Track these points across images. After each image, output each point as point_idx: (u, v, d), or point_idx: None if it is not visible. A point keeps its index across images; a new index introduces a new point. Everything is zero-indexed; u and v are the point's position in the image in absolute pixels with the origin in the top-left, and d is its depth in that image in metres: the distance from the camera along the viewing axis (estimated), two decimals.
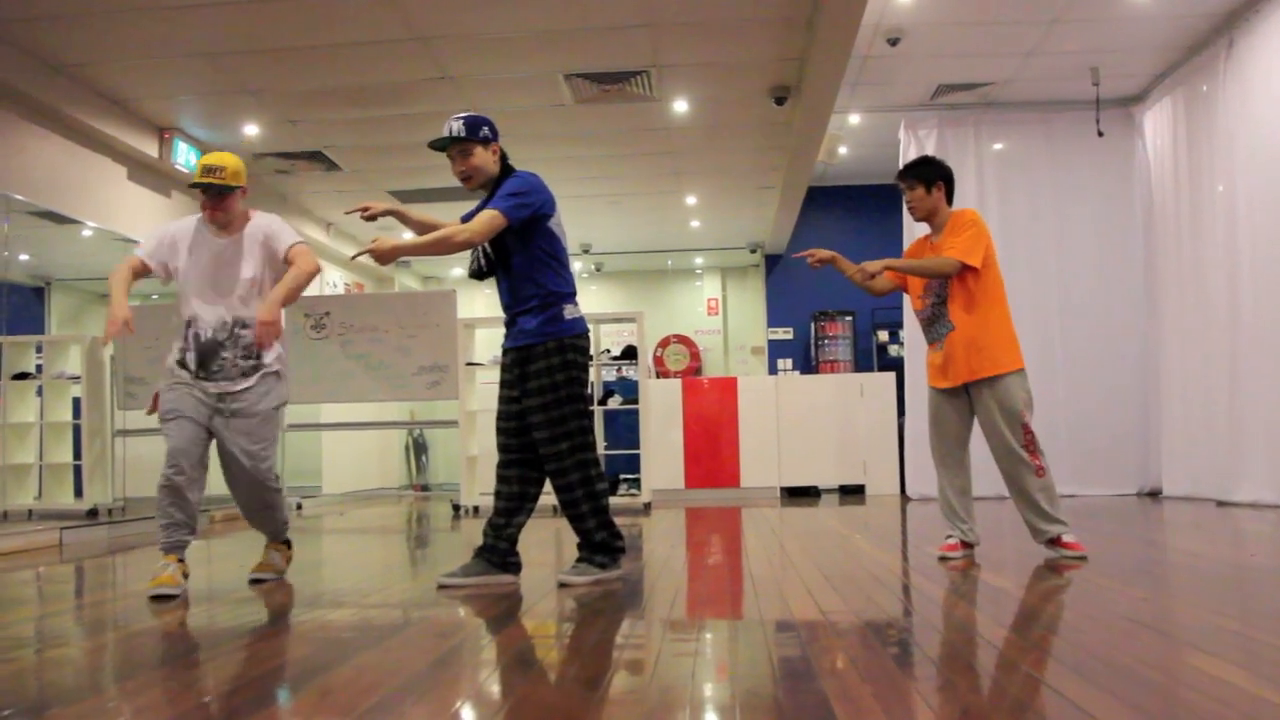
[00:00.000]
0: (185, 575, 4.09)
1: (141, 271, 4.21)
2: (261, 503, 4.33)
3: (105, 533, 7.16)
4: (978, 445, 4.71)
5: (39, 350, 8.37)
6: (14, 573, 5.23)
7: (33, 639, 3.32)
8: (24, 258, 8.41)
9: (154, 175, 8.61)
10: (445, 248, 3.97)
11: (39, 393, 8.31)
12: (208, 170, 4.17)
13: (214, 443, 4.16)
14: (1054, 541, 4.53)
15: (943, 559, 4.63)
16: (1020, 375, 4.59)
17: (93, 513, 7.92)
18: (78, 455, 8.30)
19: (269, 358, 4.19)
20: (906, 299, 5.25)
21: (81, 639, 3.38)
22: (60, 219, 7.71)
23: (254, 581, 4.36)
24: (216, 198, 4.18)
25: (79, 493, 8.26)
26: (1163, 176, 8.71)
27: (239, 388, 4.12)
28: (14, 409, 8.00)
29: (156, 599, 3.87)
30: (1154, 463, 8.83)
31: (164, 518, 4.02)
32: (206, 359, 4.12)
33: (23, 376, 8.14)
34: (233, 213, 4.22)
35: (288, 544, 4.57)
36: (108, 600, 4.32)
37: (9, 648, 3.17)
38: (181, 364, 4.14)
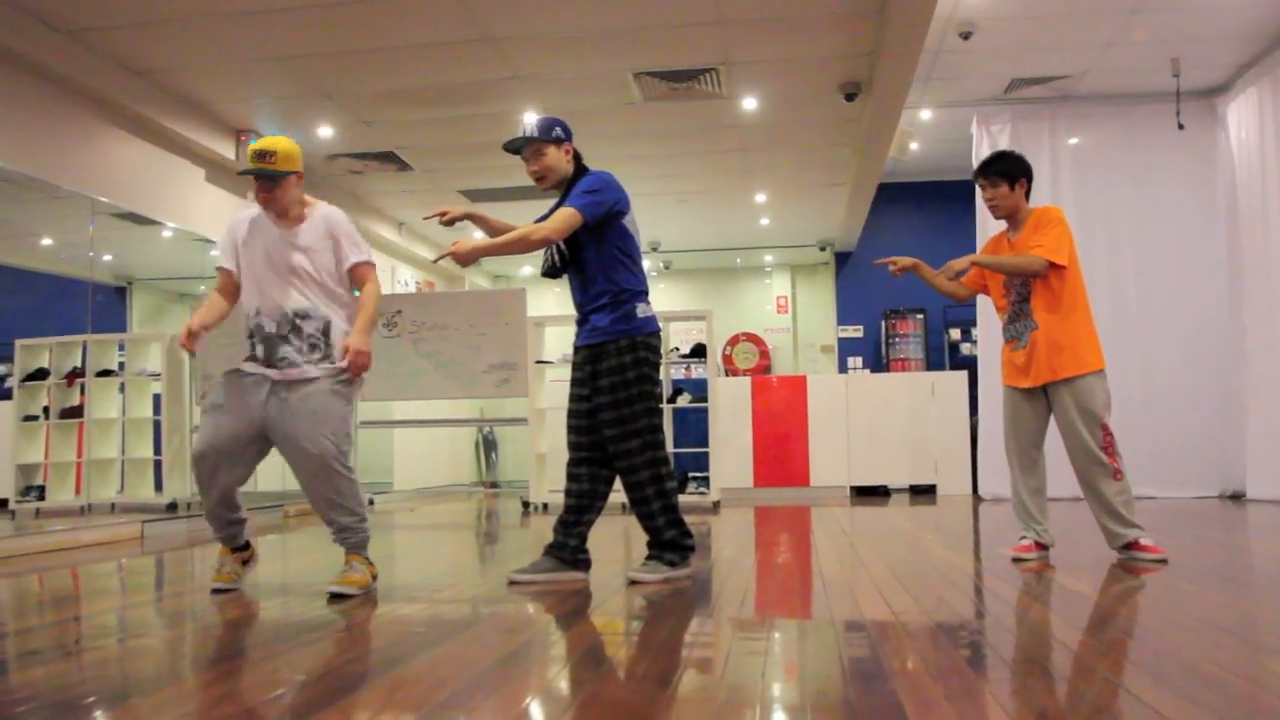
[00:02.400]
0: (245, 563, 4.14)
1: (230, 282, 4.07)
2: (329, 493, 3.93)
3: (184, 526, 7.32)
4: (1052, 445, 4.64)
5: (121, 348, 8.59)
6: (98, 564, 5.37)
7: (115, 629, 3.40)
8: (107, 258, 8.64)
9: (231, 176, 8.79)
10: (523, 246, 4.00)
11: (121, 389, 8.53)
12: (259, 156, 3.95)
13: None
14: (1130, 546, 4.44)
15: (1016, 560, 4.56)
16: (1100, 376, 4.51)
17: (172, 506, 8.11)
18: (158, 450, 8.51)
19: (337, 354, 3.96)
20: (979, 297, 5.18)
21: (161, 630, 3.46)
22: (141, 220, 7.91)
23: (334, 597, 3.84)
24: (268, 184, 3.95)
25: (159, 487, 8.47)
26: (1248, 170, 8.47)
27: (306, 376, 3.89)
28: (98, 405, 8.22)
29: (215, 592, 4.00)
30: (1237, 464, 8.60)
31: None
32: (271, 351, 3.93)
33: (106, 373, 8.36)
34: (287, 201, 3.99)
35: (369, 560, 4.07)
36: (186, 592, 4.42)
37: (93, 637, 3.26)
38: (251, 356, 3.97)
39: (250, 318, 4.00)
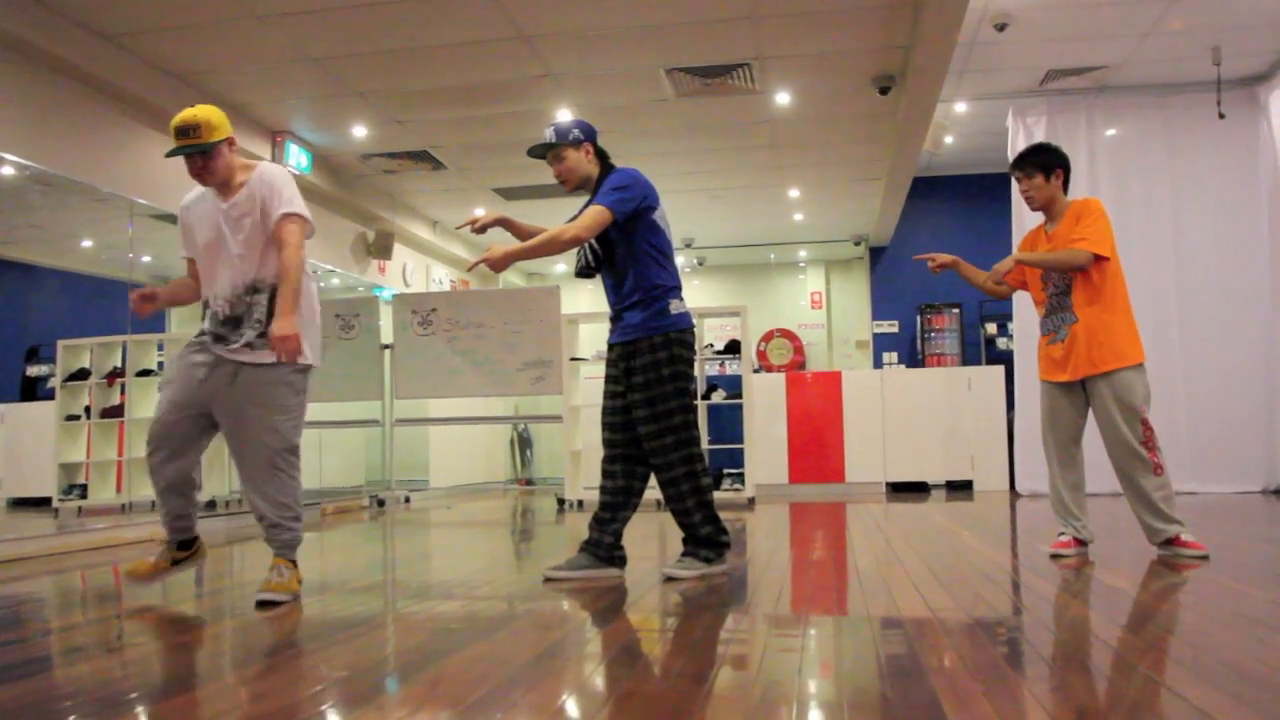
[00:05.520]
0: (176, 562, 3.90)
1: (196, 270, 3.88)
2: (266, 485, 3.71)
3: (223, 524, 7.40)
4: (1090, 440, 4.59)
5: (160, 348, 8.67)
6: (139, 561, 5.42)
7: (155, 626, 3.44)
8: (146, 259, 8.74)
9: None
10: (554, 247, 4.02)
11: (160, 389, 8.61)
12: (181, 132, 3.65)
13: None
14: (1170, 542, 4.39)
15: (1055, 556, 4.52)
16: (1140, 370, 4.46)
17: (211, 504, 8.19)
18: None
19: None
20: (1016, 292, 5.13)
21: (201, 626, 3.50)
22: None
23: (261, 604, 3.64)
24: (200, 159, 3.68)
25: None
26: None
27: (258, 361, 3.69)
28: (137, 404, 8.31)
29: (129, 575, 3.90)
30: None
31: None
32: (226, 334, 3.73)
33: (146, 373, 8.46)
34: (224, 171, 3.73)
35: (294, 564, 3.84)
36: (225, 589, 4.46)
37: (135, 633, 3.30)
38: (203, 333, 3.77)
39: (209, 302, 3.81)
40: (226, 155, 3.76)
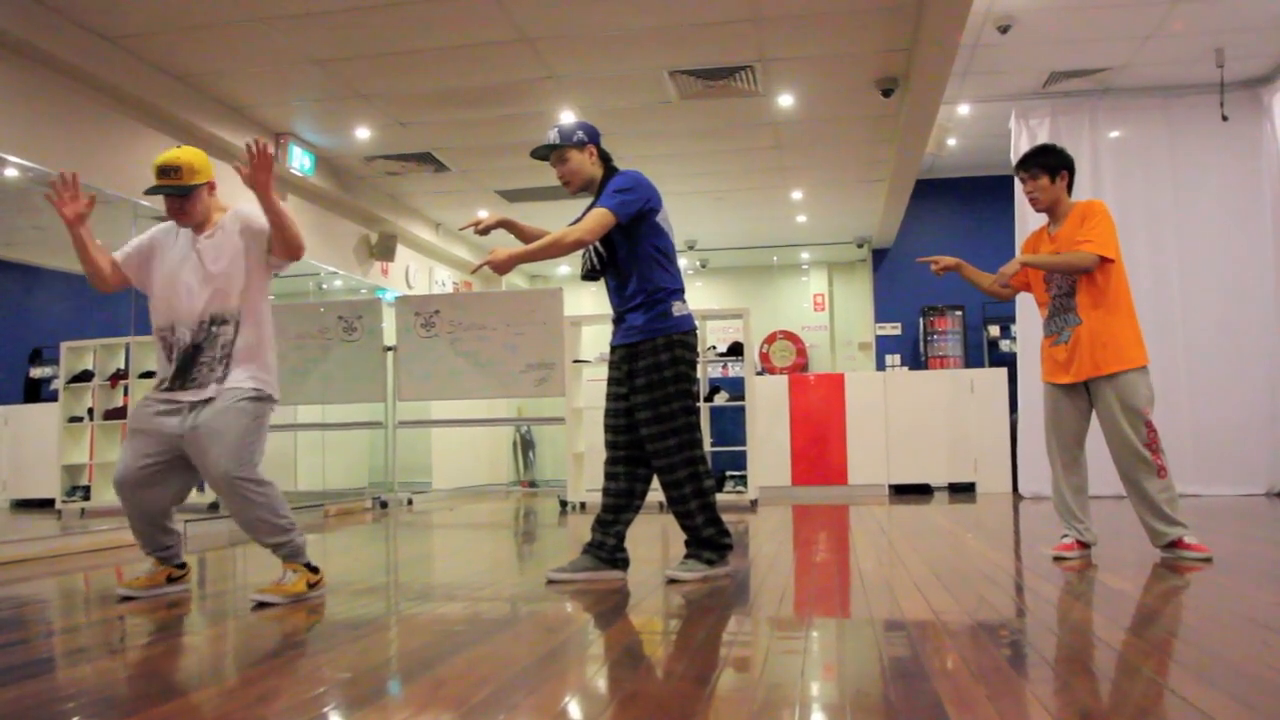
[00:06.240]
0: (171, 579, 4.01)
1: (107, 264, 3.89)
2: (243, 512, 3.76)
3: (226, 526, 7.39)
4: (1094, 442, 4.59)
5: None
6: (142, 564, 5.42)
7: (158, 627, 3.45)
8: None
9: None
10: (558, 250, 4.02)
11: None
12: (163, 172, 3.77)
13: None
14: (1174, 544, 4.38)
15: (1058, 559, 4.52)
16: (1144, 371, 4.45)
17: (214, 506, 8.18)
18: None
19: (242, 376, 3.76)
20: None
21: (204, 628, 3.50)
22: None
23: (257, 605, 3.70)
24: (178, 201, 3.80)
25: (201, 487, 8.53)
26: None
27: (211, 395, 3.72)
28: None
29: (122, 599, 3.93)
30: None
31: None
32: (187, 366, 3.77)
33: (149, 375, 8.46)
34: (200, 214, 3.85)
35: (311, 567, 3.88)
36: (228, 590, 4.46)
37: (136, 635, 3.30)
38: (164, 381, 3.81)
39: (166, 334, 3.84)
40: (205, 199, 3.87)
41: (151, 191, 3.81)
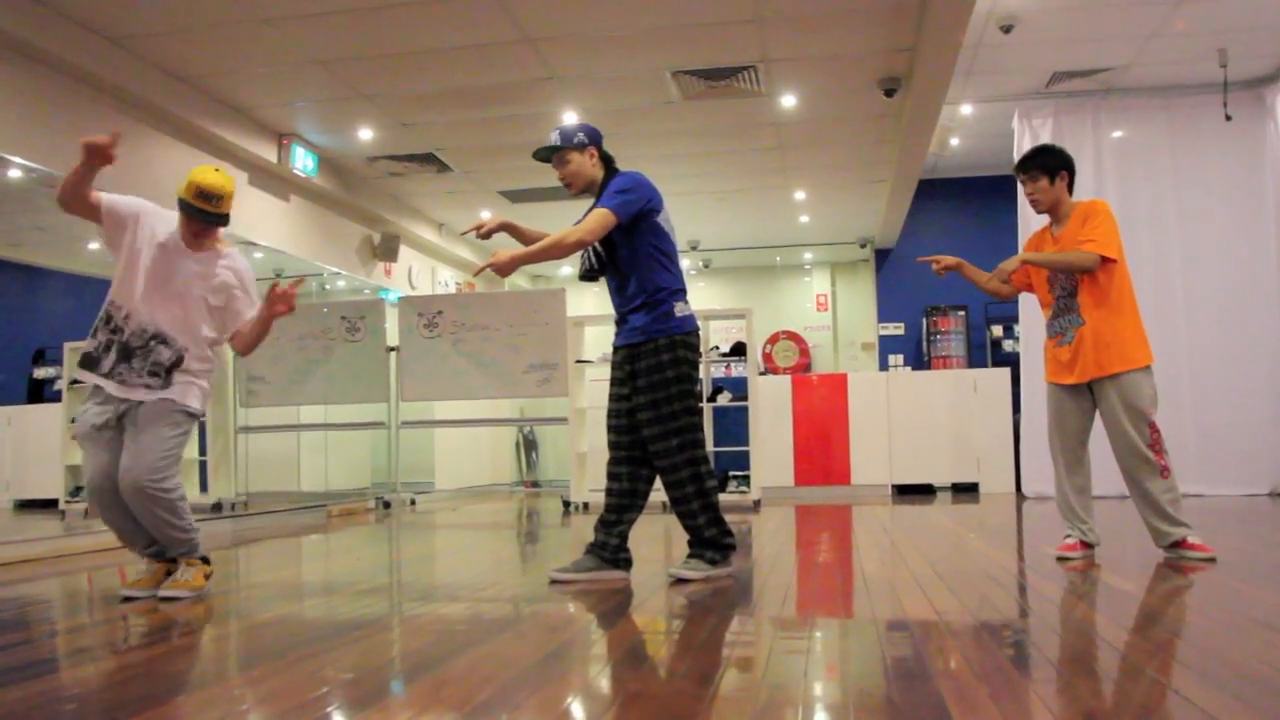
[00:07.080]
0: (170, 574, 4.00)
1: (93, 201, 3.82)
2: (150, 515, 3.83)
3: (229, 526, 7.41)
4: (1097, 443, 4.58)
5: None
6: (142, 564, 5.43)
7: (162, 628, 3.45)
8: None
9: (273, 179, 8.89)
10: (560, 251, 4.03)
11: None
12: (204, 196, 3.83)
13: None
14: (1177, 545, 4.38)
15: (1061, 559, 4.52)
16: (1147, 372, 4.45)
17: (217, 506, 8.21)
18: (203, 451, 8.61)
19: (178, 391, 3.87)
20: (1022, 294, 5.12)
21: (206, 628, 3.50)
22: None
23: (164, 600, 3.84)
24: (203, 224, 3.89)
25: (204, 487, 8.56)
26: None
27: (140, 399, 3.83)
28: None
29: (124, 600, 3.94)
30: None
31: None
32: (117, 361, 3.84)
33: None
34: (213, 242, 4.00)
35: (205, 560, 4.02)
36: (231, 590, 4.46)
37: (140, 635, 3.30)
38: (94, 357, 3.85)
39: (117, 313, 3.88)
40: (219, 231, 4.03)
41: (189, 211, 3.85)
